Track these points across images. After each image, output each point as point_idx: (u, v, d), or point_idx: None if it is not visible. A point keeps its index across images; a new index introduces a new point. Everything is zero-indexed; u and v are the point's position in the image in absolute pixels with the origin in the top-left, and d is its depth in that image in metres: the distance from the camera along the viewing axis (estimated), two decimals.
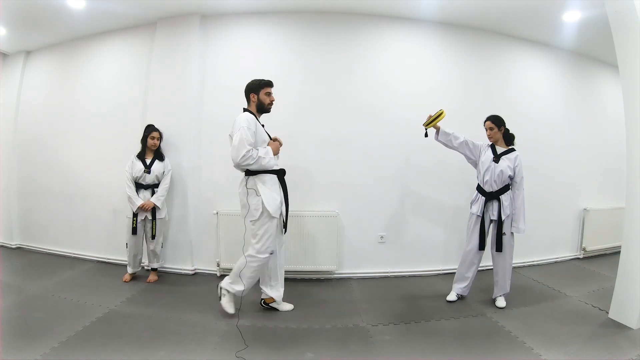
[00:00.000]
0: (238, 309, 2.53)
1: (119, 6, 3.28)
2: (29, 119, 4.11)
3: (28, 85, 4.16)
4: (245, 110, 2.52)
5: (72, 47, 3.94)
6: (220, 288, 2.52)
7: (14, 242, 4.14)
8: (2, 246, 4.16)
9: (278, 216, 2.48)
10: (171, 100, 3.42)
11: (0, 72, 4.24)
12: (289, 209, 2.59)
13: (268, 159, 2.40)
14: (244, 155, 2.31)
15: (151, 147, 3.16)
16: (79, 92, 3.88)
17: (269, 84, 2.54)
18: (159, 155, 3.21)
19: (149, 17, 3.48)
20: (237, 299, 2.55)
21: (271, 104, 2.55)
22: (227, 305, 2.49)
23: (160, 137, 3.24)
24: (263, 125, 2.55)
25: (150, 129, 3.18)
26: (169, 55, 3.46)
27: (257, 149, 2.40)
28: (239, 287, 2.45)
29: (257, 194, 2.41)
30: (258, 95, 2.52)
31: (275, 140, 2.57)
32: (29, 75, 4.18)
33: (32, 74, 4.17)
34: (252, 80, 2.55)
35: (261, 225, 2.41)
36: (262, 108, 2.54)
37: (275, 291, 2.62)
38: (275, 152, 2.50)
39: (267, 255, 2.44)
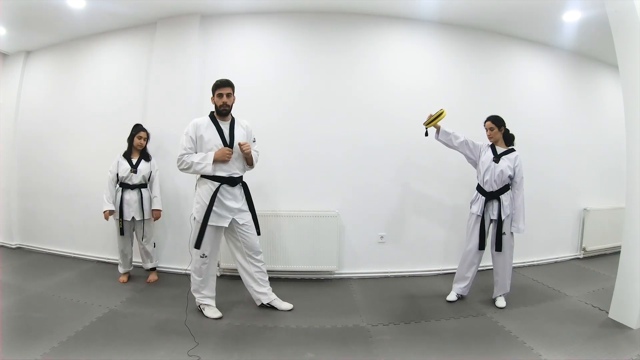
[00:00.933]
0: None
1: (119, 6, 3.28)
2: (29, 119, 4.11)
3: (28, 85, 4.16)
4: (211, 112, 2.52)
5: (72, 47, 3.94)
6: (199, 305, 2.56)
7: (14, 242, 4.14)
8: (2, 246, 4.16)
9: (208, 224, 2.40)
10: (171, 100, 3.42)
11: (0, 72, 4.24)
12: (255, 213, 2.58)
13: (204, 165, 2.36)
14: (178, 159, 2.42)
15: (137, 146, 3.12)
16: (79, 92, 3.88)
17: (219, 85, 2.45)
18: (145, 156, 3.17)
19: (149, 17, 3.48)
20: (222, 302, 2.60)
21: (223, 105, 2.44)
22: (211, 312, 2.51)
23: (147, 138, 3.19)
24: (231, 128, 2.49)
25: (137, 128, 3.15)
26: (169, 55, 3.46)
27: (195, 154, 2.41)
28: (206, 297, 2.53)
29: (196, 198, 2.47)
30: (214, 98, 2.48)
31: (244, 146, 2.42)
32: (29, 75, 4.18)
33: (32, 74, 4.17)
34: None
35: (194, 228, 2.45)
36: (218, 110, 2.48)
37: (260, 294, 2.65)
38: (219, 159, 2.38)
39: (199, 257, 2.45)
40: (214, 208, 2.41)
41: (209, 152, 2.40)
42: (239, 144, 2.44)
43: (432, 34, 3.54)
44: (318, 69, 3.43)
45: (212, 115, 2.51)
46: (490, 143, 2.80)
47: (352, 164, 3.42)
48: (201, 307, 2.54)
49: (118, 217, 3.06)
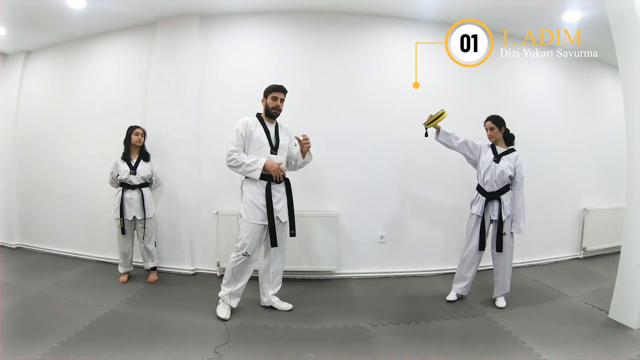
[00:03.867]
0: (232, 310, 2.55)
1: (119, 6, 3.28)
2: (29, 119, 4.11)
3: (28, 85, 4.16)
4: (258, 113, 2.58)
5: (72, 47, 3.94)
6: (219, 298, 2.56)
7: (14, 242, 4.14)
8: (2, 246, 4.16)
9: (257, 222, 2.45)
10: (171, 100, 3.42)
11: (0, 72, 4.24)
12: (294, 214, 2.57)
13: (254, 168, 2.39)
14: (228, 155, 2.42)
15: (136, 143, 3.10)
16: (79, 92, 3.88)
17: (276, 89, 2.53)
18: (144, 155, 3.17)
19: (149, 17, 3.48)
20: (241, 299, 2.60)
21: (276, 109, 2.52)
22: (221, 309, 2.52)
23: (144, 134, 3.18)
24: (276, 131, 2.55)
25: (132, 128, 3.14)
26: (169, 55, 3.46)
27: (246, 154, 2.44)
28: (228, 296, 2.52)
29: (243, 198, 2.50)
30: (266, 100, 2.54)
31: (304, 141, 2.48)
32: (29, 75, 4.18)
33: (32, 74, 4.17)
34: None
35: (242, 226, 2.47)
36: (268, 112, 2.54)
37: (263, 295, 2.67)
38: (269, 171, 2.40)
39: (241, 254, 2.45)
40: (260, 206, 2.44)
41: (261, 157, 2.42)
42: (300, 141, 2.48)
43: (432, 34, 3.53)
44: (318, 69, 3.42)
45: (259, 116, 2.56)
46: (491, 143, 2.80)
47: (352, 164, 3.42)
48: (219, 301, 2.55)
49: (119, 217, 3.06)
